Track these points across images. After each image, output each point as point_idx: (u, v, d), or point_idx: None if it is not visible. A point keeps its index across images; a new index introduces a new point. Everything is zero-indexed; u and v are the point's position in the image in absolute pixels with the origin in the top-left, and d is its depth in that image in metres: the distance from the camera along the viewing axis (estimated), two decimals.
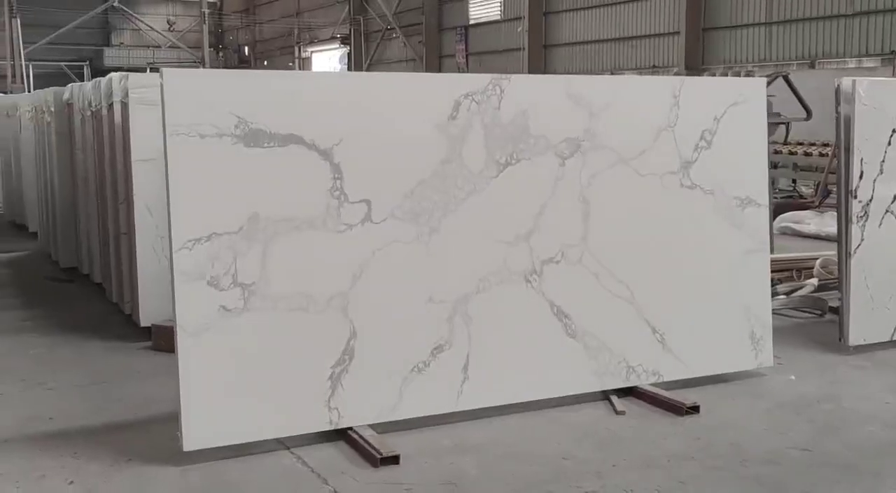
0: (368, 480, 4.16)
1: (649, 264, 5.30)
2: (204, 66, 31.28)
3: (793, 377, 5.65)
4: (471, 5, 31.20)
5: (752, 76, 12.56)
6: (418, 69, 31.57)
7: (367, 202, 4.61)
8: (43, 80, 36.34)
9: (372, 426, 4.63)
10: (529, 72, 26.96)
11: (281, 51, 40.33)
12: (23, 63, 30.67)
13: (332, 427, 4.56)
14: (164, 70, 4.26)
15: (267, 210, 4.41)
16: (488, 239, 4.89)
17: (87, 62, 37.40)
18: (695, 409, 4.99)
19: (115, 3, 31.54)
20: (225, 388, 4.36)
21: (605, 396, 5.23)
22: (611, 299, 5.19)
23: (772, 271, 7.97)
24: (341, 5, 35.92)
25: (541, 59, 28.45)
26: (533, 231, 4.99)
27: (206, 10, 32.49)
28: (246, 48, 42.36)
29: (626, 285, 5.23)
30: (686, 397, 5.14)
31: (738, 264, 5.54)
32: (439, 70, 31.43)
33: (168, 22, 37.99)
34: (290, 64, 38.71)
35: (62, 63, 36.58)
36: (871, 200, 6.05)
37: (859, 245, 6.06)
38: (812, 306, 7.35)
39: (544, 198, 5.02)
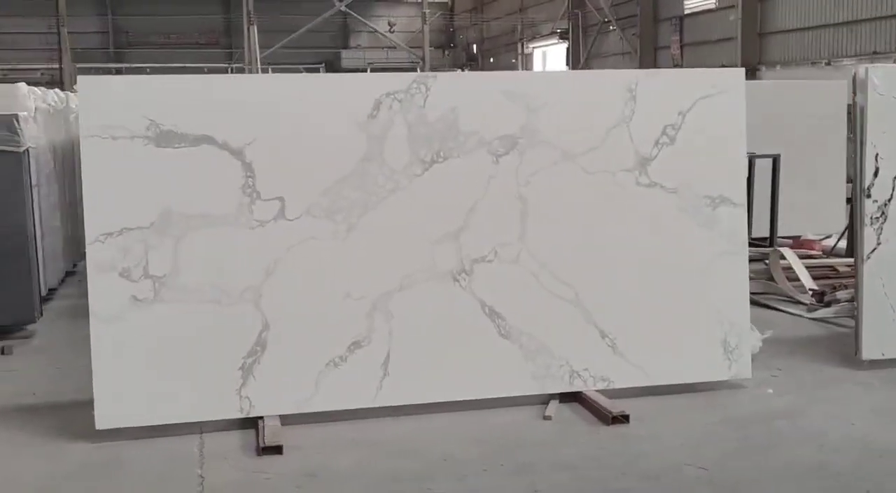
0: (241, 467, 4.32)
1: (599, 265, 5.10)
2: (424, 68, 32.27)
3: (770, 391, 5.26)
4: None
5: None
6: (632, 64, 30.97)
7: (281, 200, 4.76)
8: None
9: (287, 417, 4.80)
10: (742, 63, 25.74)
11: (506, 48, 40.86)
12: (259, 67, 32.88)
13: (244, 416, 4.76)
14: (80, 78, 4.64)
15: (179, 207, 4.67)
16: (413, 237, 4.91)
17: (323, 65, 39.47)
18: (624, 418, 4.77)
19: (341, 8, 33.08)
20: (136, 373, 4.67)
21: (563, 397, 5.10)
22: (552, 300, 5.05)
23: (832, 277, 7.42)
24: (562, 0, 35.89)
25: (755, 48, 27.12)
26: (463, 229, 4.95)
27: (427, 11, 33.44)
28: (474, 46, 43.23)
29: (571, 287, 5.07)
30: (634, 406, 4.92)
31: (709, 267, 5.21)
32: (654, 64, 30.68)
33: (389, 23, 39.39)
34: (514, 60, 39.13)
35: (300, 66, 38.88)
36: (889, 200, 5.49)
37: (874, 249, 5.52)
38: None
39: (476, 196, 4.96)
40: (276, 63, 37.35)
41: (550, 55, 38.15)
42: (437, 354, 4.96)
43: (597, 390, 5.09)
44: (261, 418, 4.75)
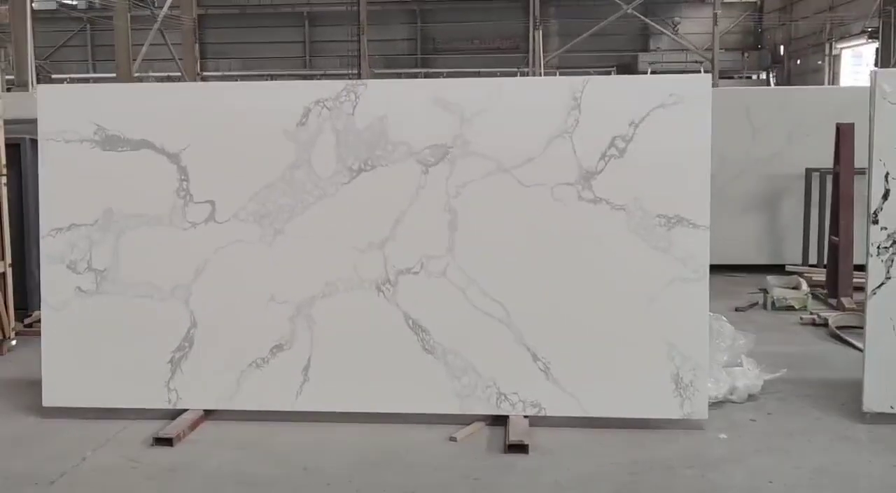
0: (125, 454, 4.56)
1: (533, 284, 4.80)
2: (713, 72, 31.06)
3: (723, 437, 4.68)
4: None
5: None
6: None
7: (212, 203, 4.95)
8: None
9: (215, 412, 4.99)
10: None
11: (812, 49, 38.22)
12: (543, 71, 33.25)
13: (171, 407, 5.00)
14: (39, 86, 5.11)
15: (120, 206, 5.00)
16: (338, 244, 4.90)
17: (614, 68, 39.11)
18: (521, 448, 4.47)
19: (628, 11, 32.62)
20: (79, 358, 5.05)
21: (492, 421, 4.88)
22: (481, 317, 4.83)
23: None
24: None
25: None
26: (388, 239, 4.87)
27: (718, 11, 32.16)
28: (781, 48, 40.82)
29: (501, 305, 4.82)
30: (556, 437, 4.66)
31: (661, 293, 4.73)
32: None
33: (672, 24, 38.15)
34: (820, 62, 36.51)
35: (591, 69, 38.81)
36: None
37: (882, 284, 4.74)
38: None
39: (403, 206, 4.86)
40: (567, 66, 37.60)
41: (853, 55, 35.19)
42: (359, 363, 4.92)
43: (525, 417, 4.80)
44: (185, 410, 4.97)
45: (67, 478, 4.30)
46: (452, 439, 4.68)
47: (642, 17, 33.89)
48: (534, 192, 4.78)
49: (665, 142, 4.71)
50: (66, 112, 5.01)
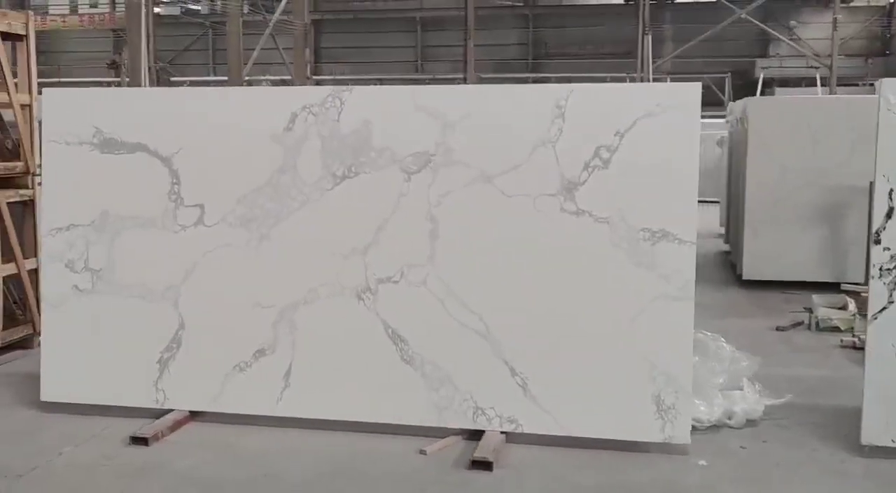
0: (102, 452, 4.64)
1: (513, 297, 4.68)
2: (830, 77, 29.98)
3: (702, 463, 4.45)
4: None
5: None
6: None
7: (201, 207, 5.00)
8: None
9: (201, 413, 5.04)
10: None
11: None
12: (651, 77, 32.64)
13: (158, 406, 5.07)
14: (45, 90, 5.24)
15: (115, 208, 5.10)
16: (321, 251, 4.88)
17: (729, 74, 38.08)
18: (485, 465, 4.36)
19: (743, 15, 31.72)
20: (77, 355, 5.18)
21: (470, 435, 4.78)
22: (459, 329, 4.73)
23: None
24: None
25: None
26: (370, 247, 4.82)
27: (838, 16, 30.99)
28: None
29: (480, 317, 4.71)
30: (528, 455, 4.56)
31: (644, 311, 4.54)
32: None
33: (789, 29, 36.82)
34: None
35: (703, 75, 37.89)
36: None
37: (884, 308, 4.43)
38: None
39: (385, 214, 4.80)
40: (680, 72, 36.78)
41: None
42: (338, 371, 4.88)
43: (501, 432, 4.68)
44: (171, 410, 5.04)
45: (38, 472, 4.40)
46: (422, 452, 4.60)
47: (756, 21, 32.86)
48: (516, 202, 4.65)
49: (651, 153, 4.52)
50: (68, 115, 5.15)
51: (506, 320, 4.69)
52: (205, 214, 4.99)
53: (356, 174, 4.82)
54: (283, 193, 4.90)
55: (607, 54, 41.66)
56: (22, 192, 6.45)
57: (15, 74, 6.49)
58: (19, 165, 6.39)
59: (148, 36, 24.36)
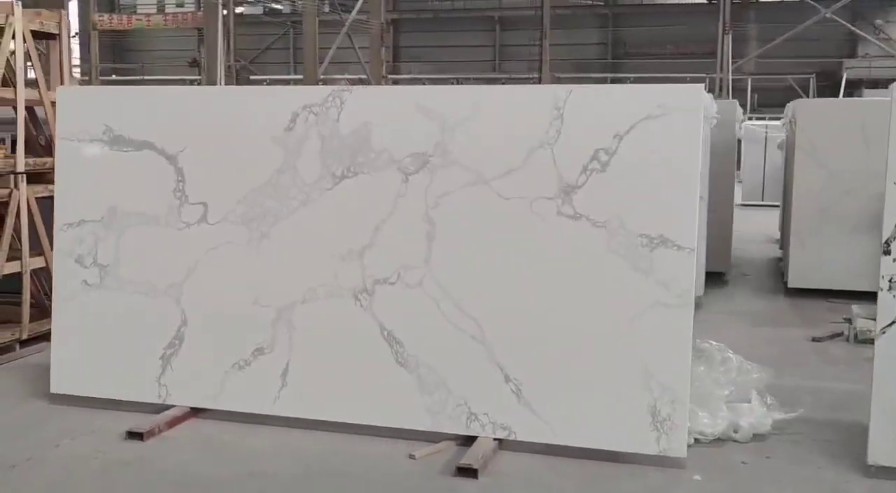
0: (96, 446, 4.68)
1: (508, 301, 4.58)
2: None
3: (697, 478, 4.29)
4: None
5: None
6: None
7: (205, 205, 5.02)
8: (766, 94, 37.16)
9: (203, 410, 5.07)
10: None
11: None
12: (730, 77, 31.93)
13: (161, 402, 5.11)
14: (59, 88, 5.34)
15: (123, 204, 5.16)
16: (319, 251, 4.86)
17: (813, 75, 37.10)
18: (470, 472, 4.28)
19: (828, 14, 30.83)
20: (85, 348, 5.26)
21: (463, 441, 4.70)
22: (454, 332, 4.65)
23: None
24: None
25: None
26: (368, 248, 4.78)
27: None
28: None
29: (476, 321, 4.63)
30: (519, 463, 4.47)
31: (640, 318, 4.40)
32: None
33: (875, 27, 35.65)
34: None
35: (788, 76, 37.02)
36: None
37: (893, 322, 4.22)
38: None
39: (383, 215, 4.75)
40: (763, 73, 36.00)
41: None
42: (334, 372, 4.86)
43: (494, 439, 4.59)
44: (173, 406, 5.08)
45: (30, 464, 4.47)
46: (412, 456, 4.54)
47: (842, 20, 31.91)
48: (513, 205, 4.56)
49: (651, 156, 4.38)
50: (80, 113, 5.23)
51: (501, 325, 4.60)
52: (208, 212, 5.01)
53: (355, 174, 4.79)
54: (283, 192, 4.89)
55: (689, 54, 40.92)
56: (51, 187, 6.55)
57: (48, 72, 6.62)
58: (49, 161, 6.51)
59: (226, 34, 24.72)
